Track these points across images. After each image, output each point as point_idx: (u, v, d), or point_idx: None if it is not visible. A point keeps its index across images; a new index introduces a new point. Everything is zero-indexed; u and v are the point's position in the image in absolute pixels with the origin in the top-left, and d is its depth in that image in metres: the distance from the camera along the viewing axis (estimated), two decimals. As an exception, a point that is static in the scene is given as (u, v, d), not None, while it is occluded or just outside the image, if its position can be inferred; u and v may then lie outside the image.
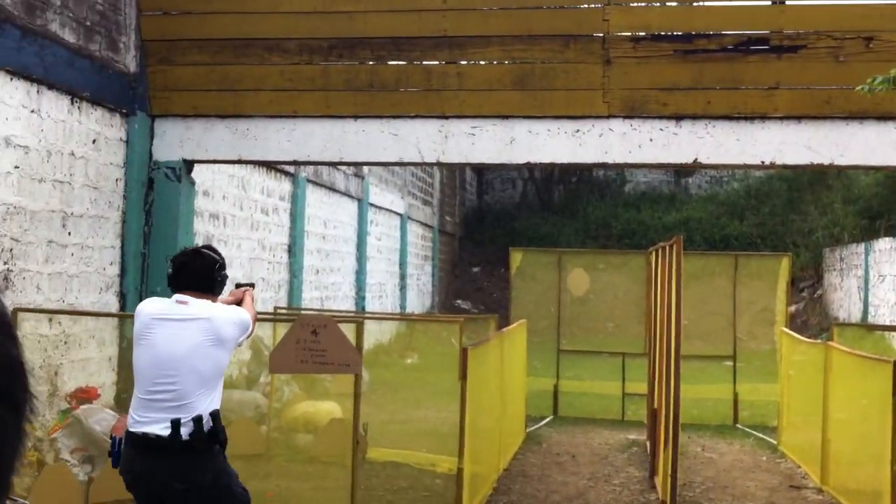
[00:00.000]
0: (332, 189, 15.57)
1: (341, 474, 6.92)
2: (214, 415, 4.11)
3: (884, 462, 6.69)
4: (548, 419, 12.27)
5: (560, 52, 8.48)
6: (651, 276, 10.22)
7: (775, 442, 10.51)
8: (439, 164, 9.11)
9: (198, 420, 4.03)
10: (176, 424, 3.99)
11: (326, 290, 15.46)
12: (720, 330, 14.29)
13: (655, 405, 8.50)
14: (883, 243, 20.30)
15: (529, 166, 10.26)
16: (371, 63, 8.63)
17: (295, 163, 9.49)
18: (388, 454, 8.88)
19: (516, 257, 14.28)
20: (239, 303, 4.58)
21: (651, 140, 8.46)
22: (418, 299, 22.94)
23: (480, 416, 7.48)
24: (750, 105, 8.32)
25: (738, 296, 13.98)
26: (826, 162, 8.31)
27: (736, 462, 9.60)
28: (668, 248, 7.66)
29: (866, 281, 21.07)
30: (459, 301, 25.93)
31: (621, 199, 29.35)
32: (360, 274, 17.35)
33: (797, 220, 25.96)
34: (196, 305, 4.20)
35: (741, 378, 12.92)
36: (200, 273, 4.31)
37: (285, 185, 13.49)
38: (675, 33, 8.37)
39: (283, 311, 11.16)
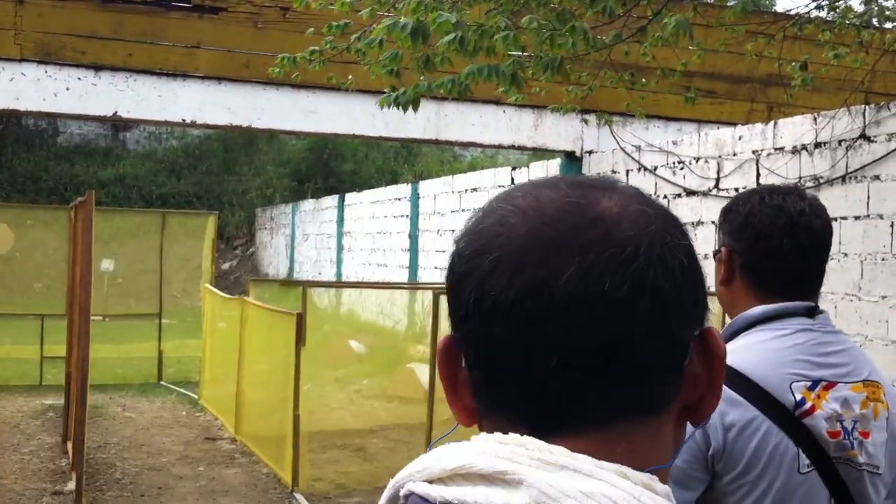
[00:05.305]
0: None
1: None
2: None
3: (289, 408, 7.19)
4: (-46, 390, 11.11)
5: (-38, -16, 7.60)
6: (71, 233, 9.72)
7: (196, 397, 10.73)
8: None
9: None
10: None
11: None
12: (153, 288, 14.12)
13: (70, 368, 8.14)
14: (307, 204, 21.86)
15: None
16: None
17: None
18: None
19: (-82, 210, 12.63)
20: None
21: (68, 89, 8.01)
22: None
23: None
24: (172, 62, 8.28)
25: (173, 253, 14.04)
26: (244, 124, 8.62)
27: (156, 419, 9.60)
28: (81, 204, 7.34)
29: (293, 239, 22.55)
30: None
31: (53, 150, 27.54)
32: None
33: (232, 181, 26.79)
34: None
35: (168, 335, 12.97)
36: None
37: None
38: (92, -22, 7.99)
39: None
